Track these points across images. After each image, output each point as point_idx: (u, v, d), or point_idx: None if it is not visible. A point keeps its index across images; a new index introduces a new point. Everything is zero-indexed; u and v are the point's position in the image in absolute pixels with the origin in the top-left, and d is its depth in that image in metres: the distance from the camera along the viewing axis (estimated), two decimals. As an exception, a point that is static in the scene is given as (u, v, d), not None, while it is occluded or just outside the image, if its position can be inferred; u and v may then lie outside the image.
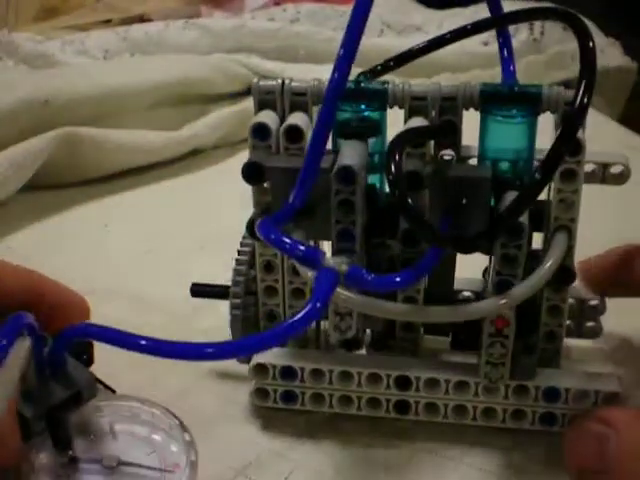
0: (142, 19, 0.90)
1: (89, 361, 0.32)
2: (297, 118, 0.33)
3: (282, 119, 0.34)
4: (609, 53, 0.86)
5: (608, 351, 0.39)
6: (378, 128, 0.34)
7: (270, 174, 0.33)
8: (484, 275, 0.37)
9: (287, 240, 0.30)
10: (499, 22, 0.37)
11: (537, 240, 0.35)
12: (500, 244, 0.32)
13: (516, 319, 0.33)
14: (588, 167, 0.34)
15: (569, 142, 0.29)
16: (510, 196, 0.32)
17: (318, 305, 0.28)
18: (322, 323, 0.37)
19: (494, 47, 0.43)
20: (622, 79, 0.86)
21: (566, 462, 0.32)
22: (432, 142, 0.34)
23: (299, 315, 0.27)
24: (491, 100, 0.33)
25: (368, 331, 0.37)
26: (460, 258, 0.34)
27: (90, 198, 0.58)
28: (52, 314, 0.33)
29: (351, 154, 0.32)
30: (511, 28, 0.38)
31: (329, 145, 0.31)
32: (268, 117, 0.34)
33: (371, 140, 0.34)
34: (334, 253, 0.33)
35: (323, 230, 0.33)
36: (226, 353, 0.28)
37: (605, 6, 1.02)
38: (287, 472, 0.34)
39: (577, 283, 0.35)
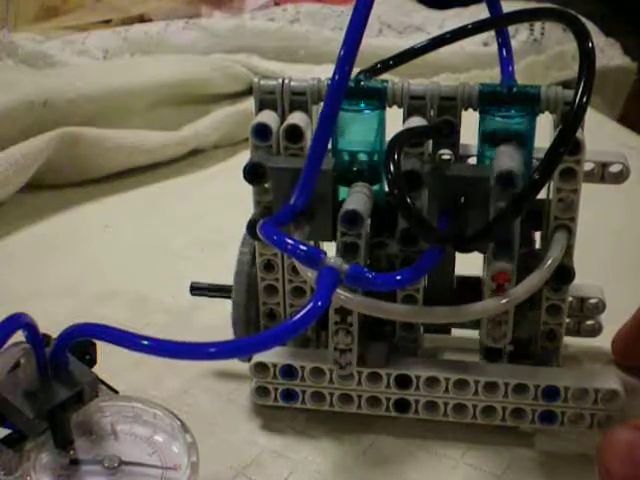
0: (142, 19, 0.90)
1: (92, 361, 0.32)
2: (297, 118, 0.33)
3: (282, 119, 0.34)
4: (609, 53, 0.86)
5: (608, 349, 0.39)
6: (380, 176, 0.34)
7: (271, 174, 0.33)
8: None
9: (289, 241, 0.30)
10: (499, 22, 0.37)
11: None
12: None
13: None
14: (587, 166, 0.34)
15: (568, 142, 0.29)
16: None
17: (319, 304, 0.28)
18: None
19: (494, 47, 0.43)
20: (622, 79, 0.86)
21: (598, 469, 0.31)
22: (430, 141, 0.34)
23: (300, 314, 0.27)
24: (490, 100, 0.33)
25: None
26: (459, 256, 0.34)
27: (90, 198, 0.58)
28: None
29: (357, 199, 0.32)
30: (511, 28, 0.38)
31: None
32: (269, 117, 0.34)
33: (371, 139, 0.34)
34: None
35: (323, 231, 0.33)
36: (228, 353, 0.28)
37: (605, 6, 1.02)
38: (287, 472, 0.34)
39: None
